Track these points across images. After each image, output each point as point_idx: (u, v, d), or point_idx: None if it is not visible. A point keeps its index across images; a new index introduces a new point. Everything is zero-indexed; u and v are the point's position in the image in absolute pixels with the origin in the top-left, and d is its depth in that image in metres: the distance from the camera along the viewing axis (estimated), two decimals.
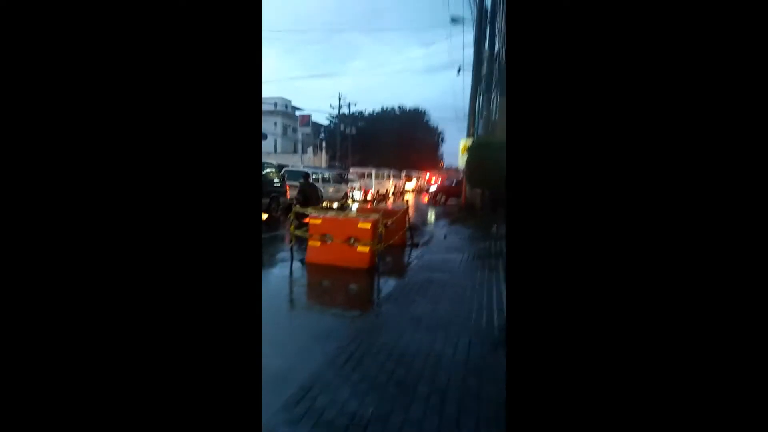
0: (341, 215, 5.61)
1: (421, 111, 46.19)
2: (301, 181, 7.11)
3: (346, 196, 15.32)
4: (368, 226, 5.11)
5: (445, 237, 7.82)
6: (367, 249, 5.10)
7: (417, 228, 9.50)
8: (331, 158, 35.67)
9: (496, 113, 11.05)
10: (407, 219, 7.07)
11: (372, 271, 5.07)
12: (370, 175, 18.56)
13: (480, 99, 11.33)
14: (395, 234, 6.84)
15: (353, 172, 18.91)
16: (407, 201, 19.69)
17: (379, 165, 25.06)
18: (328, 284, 4.55)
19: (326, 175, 14.51)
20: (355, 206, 15.41)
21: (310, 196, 6.92)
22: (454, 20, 12.35)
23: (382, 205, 16.20)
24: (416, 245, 6.96)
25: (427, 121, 46.35)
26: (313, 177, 13.30)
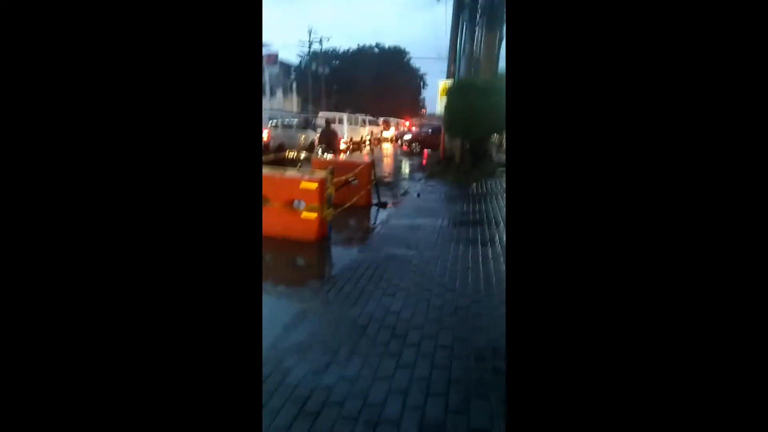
0: (283, 172, 4.42)
1: (402, 51, 42.94)
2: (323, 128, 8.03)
3: (312, 145, 13.87)
4: (314, 186, 3.97)
5: (418, 195, 6.80)
6: (314, 215, 4.02)
7: (388, 183, 8.46)
8: (304, 101, 33.18)
9: (480, 49, 9.60)
10: (372, 173, 5.95)
11: (321, 243, 4.04)
12: (341, 121, 16.88)
13: (463, 32, 9.78)
14: (357, 192, 5.76)
15: (322, 117, 17.14)
16: (384, 150, 18.32)
17: (355, 110, 23.19)
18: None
19: (290, 121, 12.87)
20: (324, 157, 14.15)
21: (331, 141, 8.18)
22: None
23: (356, 155, 14.85)
24: (384, 205, 5.93)
25: (408, 63, 43.29)
26: (272, 123, 11.78)
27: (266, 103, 26.31)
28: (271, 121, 11.47)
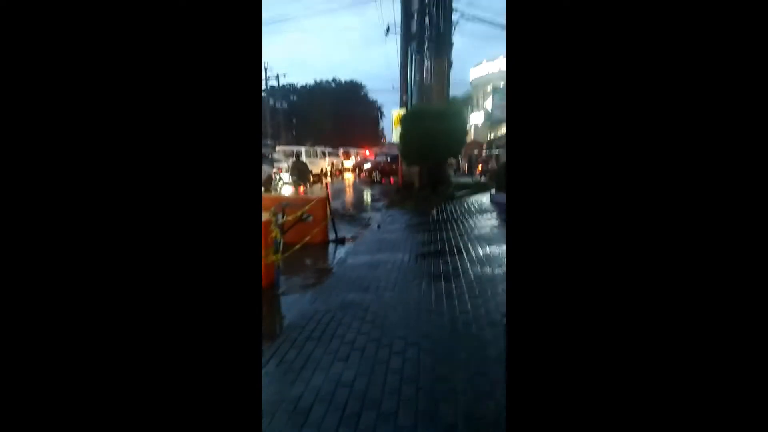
0: None
1: (358, 84, 43.83)
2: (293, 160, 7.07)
3: (270, 179, 13.36)
4: None
5: (378, 227, 6.48)
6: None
7: (349, 216, 8.10)
8: (263, 136, 32.71)
9: (431, 76, 9.70)
10: (328, 208, 5.58)
11: (268, 294, 3.57)
12: (299, 155, 16.54)
13: (412, 62, 9.88)
14: (312, 229, 5.35)
15: (279, 150, 16.70)
16: (346, 180, 18.06)
17: (315, 143, 22.98)
18: None
19: None
20: (285, 189, 13.63)
21: (303, 172, 7.82)
22: None
23: (317, 187, 14.46)
24: (341, 241, 5.54)
25: (365, 95, 44.16)
26: None
27: None
28: None
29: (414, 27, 9.71)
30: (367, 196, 12.13)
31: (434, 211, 7.35)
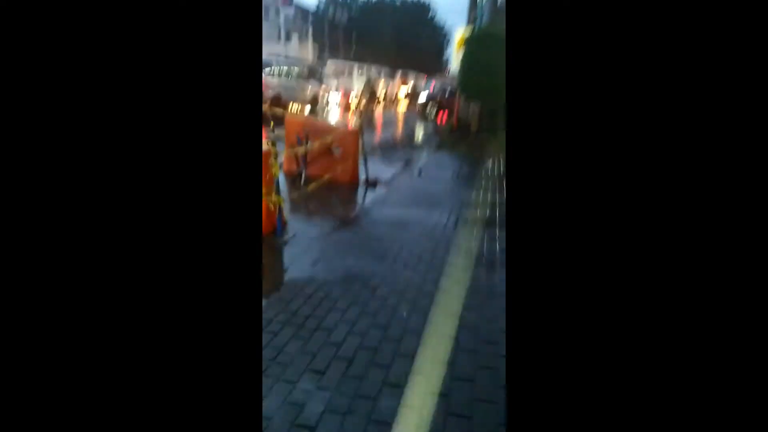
0: None
1: (425, 4, 39.38)
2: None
3: (315, 98, 12.42)
4: None
5: (419, 173, 5.57)
6: None
7: (390, 151, 7.18)
8: (320, 49, 30.99)
9: None
10: (360, 142, 4.72)
11: (267, 244, 2.95)
12: (351, 73, 15.20)
13: None
14: (340, 164, 4.58)
15: (330, 66, 15.35)
16: (398, 110, 16.71)
17: (373, 63, 21.27)
18: None
19: (291, 69, 11.26)
20: (332, 112, 12.58)
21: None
22: None
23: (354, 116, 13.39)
24: (373, 185, 4.76)
25: (432, 19, 39.84)
26: (268, 70, 10.31)
27: (280, 48, 24.42)
28: (266, 68, 10.02)
29: None
30: (417, 131, 10.97)
31: (491, 162, 6.24)
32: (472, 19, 8.36)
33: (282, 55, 15.05)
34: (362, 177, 4.77)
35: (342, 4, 33.14)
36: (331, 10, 31.48)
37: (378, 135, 9.52)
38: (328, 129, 4.64)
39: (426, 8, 39.32)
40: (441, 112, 13.24)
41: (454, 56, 8.52)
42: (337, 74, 14.81)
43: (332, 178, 4.41)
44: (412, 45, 34.02)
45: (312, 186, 4.09)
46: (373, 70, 17.81)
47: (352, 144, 4.64)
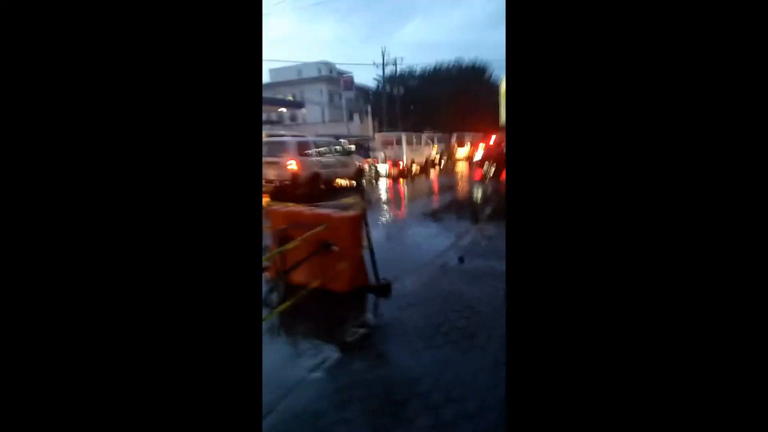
0: None
1: (481, 66, 39.62)
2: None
3: (360, 172, 11.70)
4: None
5: (461, 260, 4.02)
6: None
7: (428, 225, 5.74)
8: (380, 124, 32.05)
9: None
10: (363, 230, 3.39)
11: None
12: (399, 141, 14.54)
13: None
14: (334, 267, 3.25)
15: (379, 138, 14.94)
16: (457, 172, 15.46)
17: (433, 128, 20.82)
18: None
19: (324, 145, 10.64)
20: (381, 181, 11.86)
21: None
22: None
23: (421, 179, 12.28)
24: (384, 290, 3.30)
25: (489, 78, 39.76)
26: (303, 147, 9.86)
27: (342, 128, 25.54)
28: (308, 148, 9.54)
29: None
30: (473, 193, 9.47)
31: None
32: None
33: (343, 135, 15.13)
34: (371, 280, 3.37)
35: (400, 77, 34.57)
36: (389, 86, 32.88)
37: (424, 204, 8.23)
38: (320, 218, 3.41)
39: (482, 69, 39.51)
40: (498, 170, 11.54)
41: (502, 107, 7.21)
42: (386, 144, 14.25)
43: (323, 286, 3.09)
44: (470, 106, 33.68)
45: (288, 303, 2.79)
46: (424, 136, 17.08)
47: (350, 236, 3.33)
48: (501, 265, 3.68)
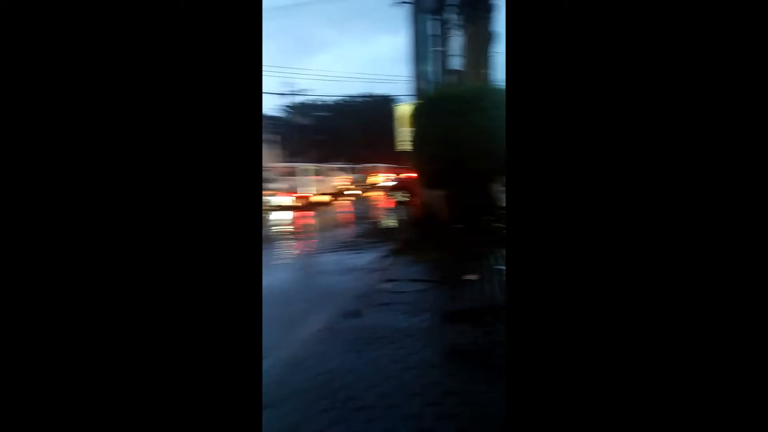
0: None
1: (389, 99, 41.26)
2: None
3: None
4: None
5: (357, 313, 3.16)
6: None
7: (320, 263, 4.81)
8: (290, 154, 30.88)
9: (466, 46, 6.35)
10: None
11: None
12: (305, 172, 13.58)
13: (427, 31, 6.54)
14: None
15: (276, 169, 13.79)
16: (367, 203, 14.90)
17: (341, 159, 20.38)
18: None
19: None
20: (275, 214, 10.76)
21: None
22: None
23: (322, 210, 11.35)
24: None
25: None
26: None
27: None
28: None
29: None
30: (375, 225, 8.87)
31: (476, 277, 3.90)
32: (418, 89, 6.75)
33: None
34: None
35: (309, 108, 34.15)
36: (298, 117, 32.16)
37: (322, 237, 7.34)
38: None
39: (390, 101, 41.08)
40: (412, 198, 11.28)
41: (398, 132, 6.80)
42: (288, 175, 13.17)
43: None
44: (379, 137, 34.48)
45: None
46: (331, 166, 16.43)
47: None
48: (406, 322, 2.92)
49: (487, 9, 6.44)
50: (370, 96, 40.59)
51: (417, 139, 5.42)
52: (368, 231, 8.06)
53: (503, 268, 4.11)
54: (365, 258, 5.14)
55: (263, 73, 0.81)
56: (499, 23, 6.82)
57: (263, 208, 10.83)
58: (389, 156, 31.00)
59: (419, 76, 6.99)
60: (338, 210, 12.66)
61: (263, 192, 11.17)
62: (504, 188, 9.20)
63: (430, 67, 6.77)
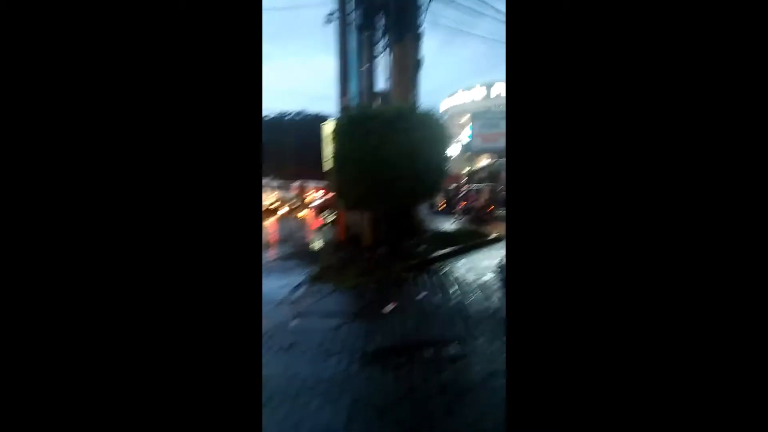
0: None
1: (323, 116, 40.96)
2: None
3: None
4: None
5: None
6: None
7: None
8: None
9: (389, 62, 6.29)
10: None
11: None
12: None
13: (355, 44, 6.43)
14: None
15: None
16: (296, 220, 14.17)
17: (275, 176, 19.48)
18: None
19: None
20: None
21: None
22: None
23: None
24: None
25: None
26: None
27: None
28: None
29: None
30: (300, 245, 8.34)
31: (392, 307, 3.61)
32: (343, 105, 6.52)
33: None
34: None
35: None
36: None
37: None
38: None
39: (324, 119, 40.73)
40: (340, 217, 10.88)
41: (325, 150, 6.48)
42: None
43: None
44: (312, 155, 33.92)
45: None
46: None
47: None
48: (310, 368, 2.51)
49: (415, 33, 6.47)
50: (304, 113, 39.99)
51: (338, 159, 5.12)
52: (288, 253, 7.48)
53: (423, 296, 3.90)
54: (276, 286, 4.63)
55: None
56: (424, 49, 6.88)
57: None
58: (320, 174, 30.50)
59: (345, 94, 6.77)
60: (265, 227, 11.84)
61: None
62: (429, 205, 9.17)
63: (354, 87, 6.59)
